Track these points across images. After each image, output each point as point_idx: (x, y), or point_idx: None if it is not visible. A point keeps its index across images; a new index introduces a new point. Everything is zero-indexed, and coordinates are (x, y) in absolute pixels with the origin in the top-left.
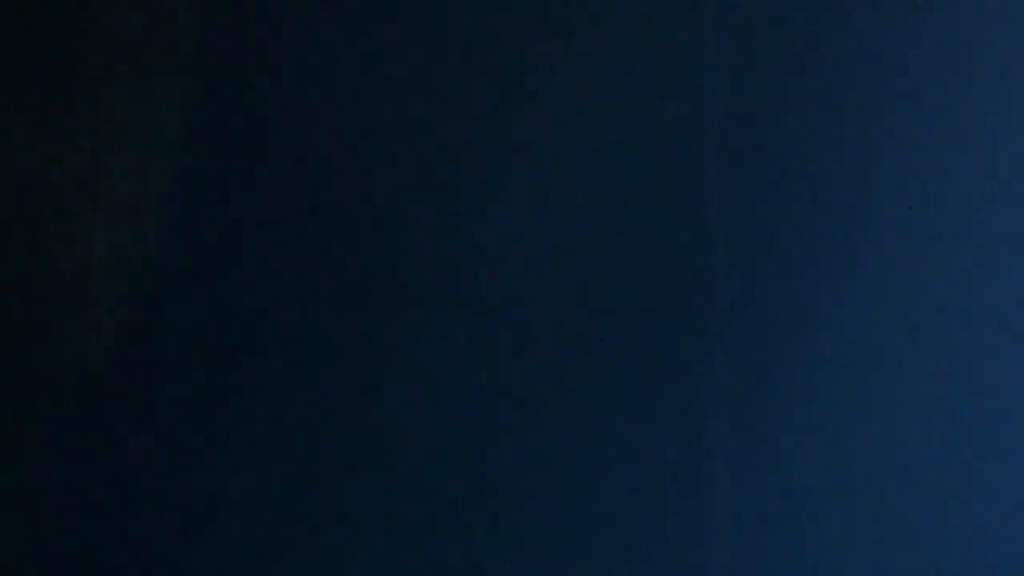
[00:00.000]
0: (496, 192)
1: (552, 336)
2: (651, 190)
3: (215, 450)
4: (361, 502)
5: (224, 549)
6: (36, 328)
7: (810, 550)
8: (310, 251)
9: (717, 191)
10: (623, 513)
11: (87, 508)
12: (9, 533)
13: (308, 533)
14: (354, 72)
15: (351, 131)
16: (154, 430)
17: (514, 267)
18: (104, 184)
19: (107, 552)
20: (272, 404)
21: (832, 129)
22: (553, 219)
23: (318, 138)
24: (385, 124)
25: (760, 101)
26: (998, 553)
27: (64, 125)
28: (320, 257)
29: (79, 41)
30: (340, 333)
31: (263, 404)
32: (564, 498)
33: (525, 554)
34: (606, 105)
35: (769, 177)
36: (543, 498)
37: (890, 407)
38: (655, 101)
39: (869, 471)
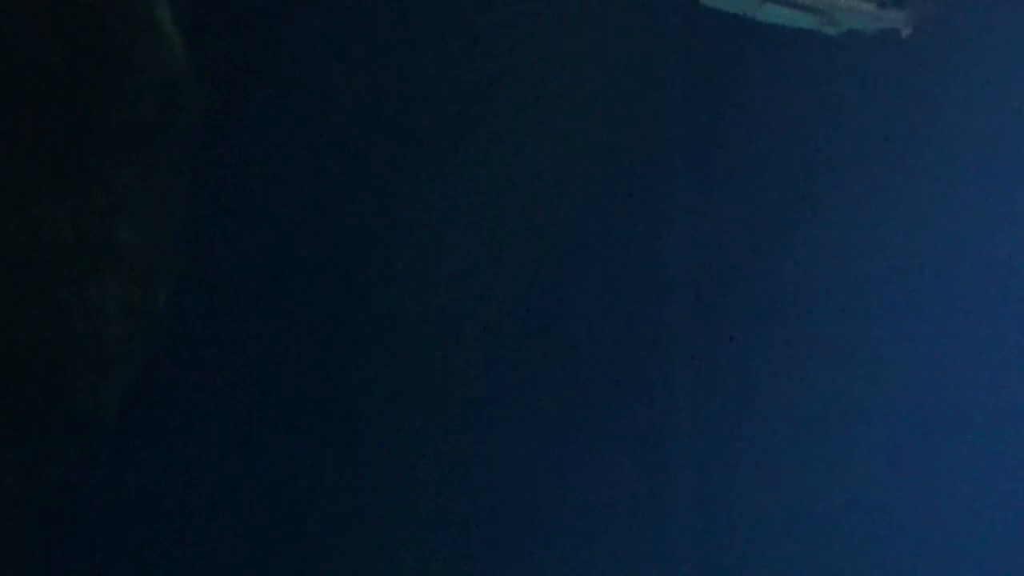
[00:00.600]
0: (456, 208)
1: (515, 339)
2: (612, 196)
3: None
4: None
5: (224, 549)
6: (51, 387)
7: (777, 552)
8: (312, 300)
9: (678, 192)
10: (591, 516)
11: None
12: None
13: (308, 533)
14: (352, 159)
15: (347, 202)
16: (165, 484)
17: (476, 274)
18: (117, 249)
19: None
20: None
21: (793, 132)
22: (514, 227)
23: (313, 203)
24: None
25: (716, 103)
26: (972, 549)
27: (80, 197)
28: (317, 306)
29: (97, 125)
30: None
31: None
32: (529, 497)
33: (493, 553)
34: (560, 111)
35: (734, 178)
36: (509, 499)
37: (858, 410)
38: (618, 111)
39: (832, 475)
